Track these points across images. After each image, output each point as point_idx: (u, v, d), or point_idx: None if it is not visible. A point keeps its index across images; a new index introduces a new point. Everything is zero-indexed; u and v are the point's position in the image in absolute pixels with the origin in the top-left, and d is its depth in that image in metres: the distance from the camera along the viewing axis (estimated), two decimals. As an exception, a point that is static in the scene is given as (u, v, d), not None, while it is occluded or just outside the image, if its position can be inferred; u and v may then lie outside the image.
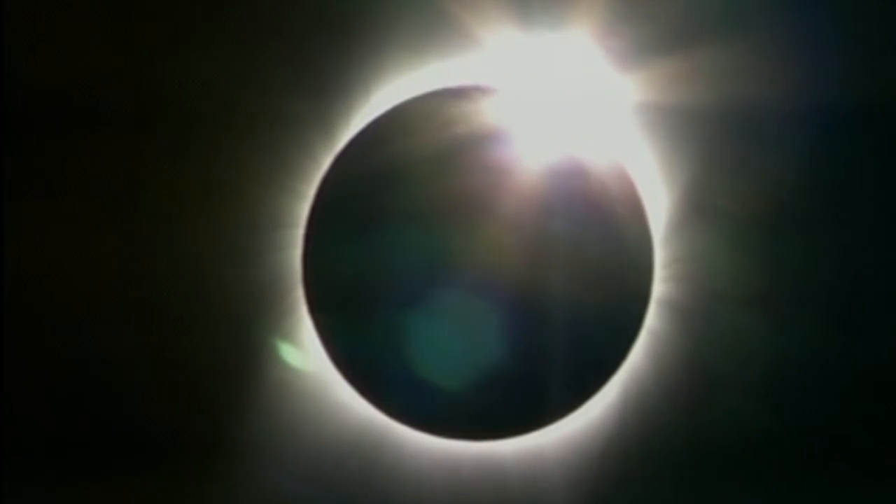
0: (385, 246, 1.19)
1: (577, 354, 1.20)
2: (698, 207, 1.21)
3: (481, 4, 1.19)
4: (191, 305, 1.21)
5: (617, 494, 1.22)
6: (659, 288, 1.21)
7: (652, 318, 1.21)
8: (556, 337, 1.19)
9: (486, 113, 1.21)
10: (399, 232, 1.19)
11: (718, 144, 1.21)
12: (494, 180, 1.19)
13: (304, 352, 1.21)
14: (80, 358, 1.21)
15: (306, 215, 1.21)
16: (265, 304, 1.21)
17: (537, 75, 1.22)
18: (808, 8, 1.20)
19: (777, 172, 1.21)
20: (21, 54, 1.18)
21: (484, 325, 1.19)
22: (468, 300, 1.19)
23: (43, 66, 1.19)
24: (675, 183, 1.21)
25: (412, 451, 1.21)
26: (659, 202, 1.22)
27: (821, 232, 1.22)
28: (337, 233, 1.20)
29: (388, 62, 1.20)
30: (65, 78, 1.19)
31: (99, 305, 1.21)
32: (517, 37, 1.20)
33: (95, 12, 1.19)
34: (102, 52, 1.19)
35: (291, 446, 1.21)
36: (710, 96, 1.20)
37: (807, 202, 1.21)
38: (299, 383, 1.21)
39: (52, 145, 1.20)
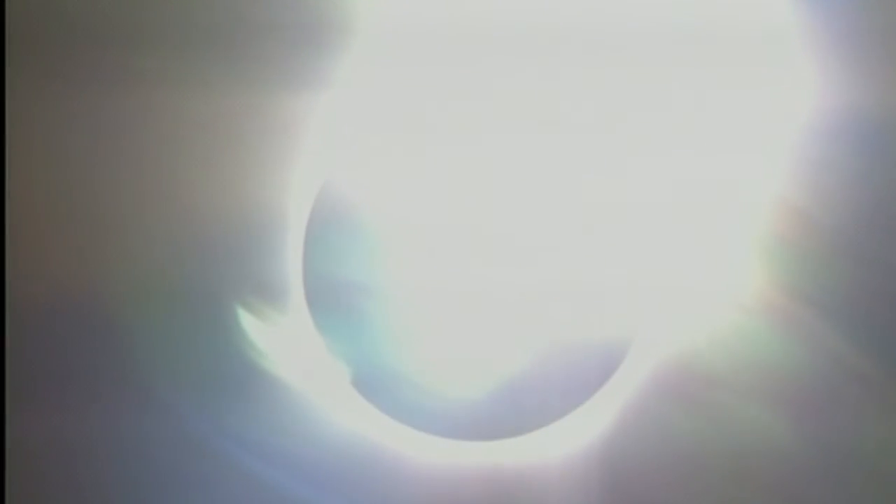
0: (386, 246, 1.19)
1: (577, 354, 1.20)
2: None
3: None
4: (190, 305, 1.21)
5: (616, 496, 1.22)
6: (660, 288, 1.22)
7: (652, 319, 1.22)
8: (555, 337, 1.19)
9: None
10: (400, 233, 1.19)
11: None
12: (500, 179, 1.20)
13: (282, 344, 1.21)
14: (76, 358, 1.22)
15: (306, 215, 1.21)
16: (265, 304, 1.21)
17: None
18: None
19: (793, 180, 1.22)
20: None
21: (484, 326, 1.19)
22: (469, 301, 1.19)
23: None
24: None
25: (411, 452, 1.21)
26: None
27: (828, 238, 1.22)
28: (338, 233, 1.20)
29: (392, 60, 1.20)
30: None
31: (96, 310, 1.21)
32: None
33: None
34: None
35: (291, 446, 1.21)
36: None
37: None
38: (299, 383, 1.22)
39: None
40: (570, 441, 1.22)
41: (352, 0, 1.20)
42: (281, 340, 1.22)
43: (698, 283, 1.22)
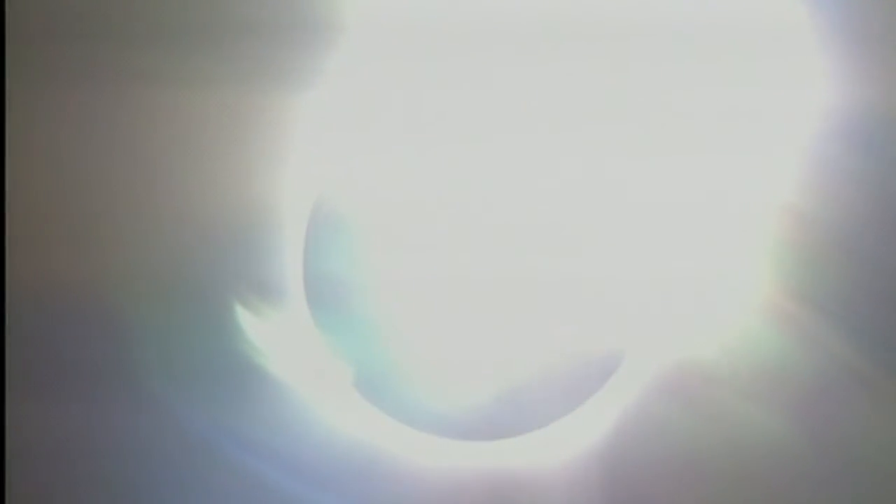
0: (386, 245, 1.19)
1: (578, 355, 1.20)
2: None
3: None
4: (189, 303, 1.21)
5: (617, 496, 1.22)
6: (661, 288, 1.21)
7: (654, 319, 1.21)
8: (556, 337, 1.19)
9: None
10: (400, 231, 1.19)
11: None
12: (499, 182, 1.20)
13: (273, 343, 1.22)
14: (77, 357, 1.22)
15: (307, 214, 1.21)
16: (265, 302, 1.22)
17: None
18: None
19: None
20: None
21: (484, 326, 1.19)
22: (469, 300, 1.19)
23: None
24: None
25: (411, 452, 1.21)
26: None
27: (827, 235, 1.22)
28: (338, 232, 1.20)
29: (392, 58, 1.20)
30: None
31: (96, 309, 1.21)
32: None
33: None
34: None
35: (290, 446, 1.21)
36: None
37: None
38: (298, 382, 1.22)
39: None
40: (570, 441, 1.22)
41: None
42: (281, 339, 1.22)
43: (700, 284, 1.22)
